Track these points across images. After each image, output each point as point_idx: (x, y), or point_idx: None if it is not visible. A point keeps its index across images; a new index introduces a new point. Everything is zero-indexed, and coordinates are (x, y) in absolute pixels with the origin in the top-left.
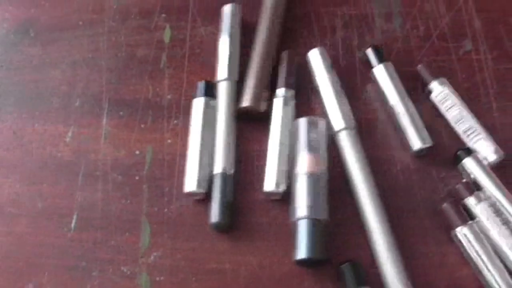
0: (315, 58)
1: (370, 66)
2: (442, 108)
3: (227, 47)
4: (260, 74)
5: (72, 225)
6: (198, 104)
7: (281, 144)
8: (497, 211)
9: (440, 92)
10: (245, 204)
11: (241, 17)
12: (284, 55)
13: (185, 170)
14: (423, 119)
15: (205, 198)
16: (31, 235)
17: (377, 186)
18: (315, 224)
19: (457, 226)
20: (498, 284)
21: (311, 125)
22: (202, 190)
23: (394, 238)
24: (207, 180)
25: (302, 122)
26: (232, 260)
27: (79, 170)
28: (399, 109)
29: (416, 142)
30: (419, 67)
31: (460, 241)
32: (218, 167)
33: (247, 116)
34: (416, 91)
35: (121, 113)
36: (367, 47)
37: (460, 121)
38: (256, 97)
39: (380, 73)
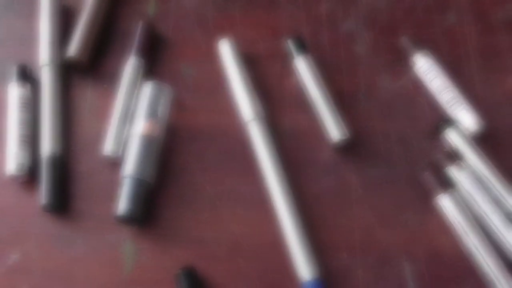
0: (224, 48)
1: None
2: (426, 79)
3: (47, 31)
4: (86, 29)
5: None
6: (12, 89)
7: (123, 109)
8: (479, 179)
9: (424, 64)
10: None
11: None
12: (139, 25)
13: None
14: (406, 91)
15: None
16: (16, 205)
17: (285, 174)
18: (137, 184)
19: (438, 194)
20: (478, 249)
21: (156, 90)
22: (22, 173)
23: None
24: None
25: (147, 85)
26: (214, 229)
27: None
28: (319, 101)
29: (334, 135)
30: (403, 39)
31: (440, 208)
32: (46, 151)
33: (76, 68)
34: (399, 63)
35: (105, 85)
36: (288, 38)
37: (443, 92)
38: (80, 49)
39: (301, 65)
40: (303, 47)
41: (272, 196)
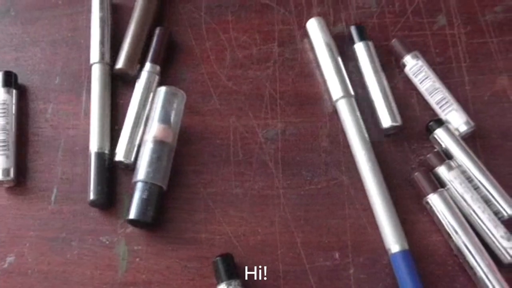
0: (313, 28)
1: (351, 43)
2: (416, 80)
3: (98, 30)
4: (134, 42)
5: (52, 198)
6: None
7: (137, 115)
8: (468, 178)
9: (414, 65)
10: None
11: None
12: (156, 32)
13: None
14: (397, 92)
15: None
16: (12, 208)
17: (373, 152)
18: (149, 188)
19: (428, 194)
20: (468, 247)
21: (169, 95)
22: (9, 178)
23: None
24: None
25: (161, 90)
26: (207, 230)
27: (59, 145)
28: (374, 87)
29: (386, 120)
30: (394, 41)
31: (431, 207)
32: (94, 147)
33: (122, 78)
34: (390, 65)
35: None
36: (351, 25)
37: (433, 93)
38: (129, 61)
39: (360, 50)
40: (364, 34)
41: (363, 177)
